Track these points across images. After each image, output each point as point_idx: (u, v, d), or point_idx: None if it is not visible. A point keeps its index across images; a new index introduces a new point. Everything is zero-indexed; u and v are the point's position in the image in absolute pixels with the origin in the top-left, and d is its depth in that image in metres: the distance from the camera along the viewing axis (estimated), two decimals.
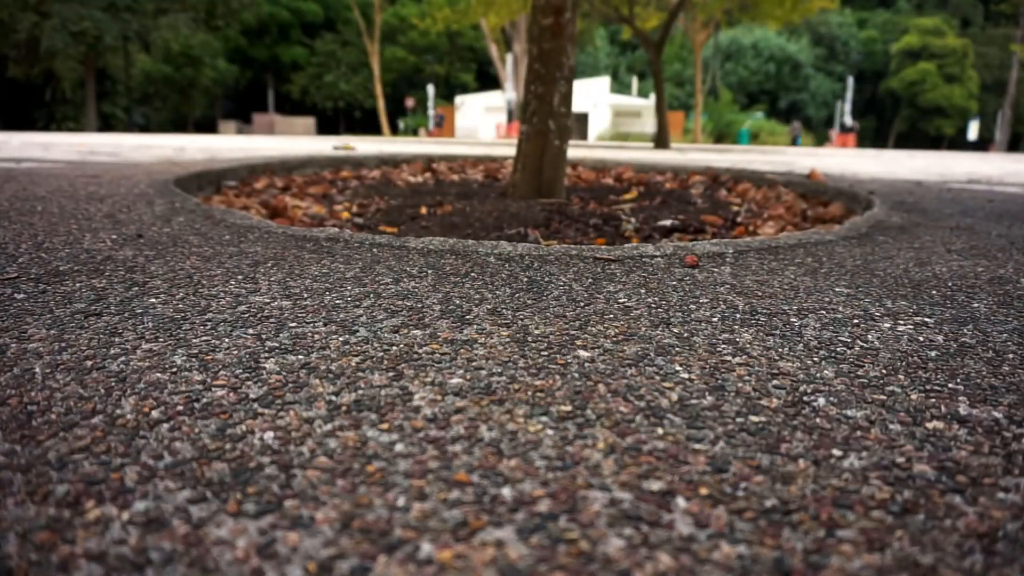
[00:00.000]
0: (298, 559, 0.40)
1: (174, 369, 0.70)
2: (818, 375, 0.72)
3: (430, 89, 25.61)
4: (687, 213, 2.42)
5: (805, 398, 0.66)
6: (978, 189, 3.18)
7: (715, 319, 0.92)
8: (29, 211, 1.83)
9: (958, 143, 28.60)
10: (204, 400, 0.63)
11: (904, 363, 0.77)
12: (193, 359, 0.74)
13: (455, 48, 30.62)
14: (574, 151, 5.85)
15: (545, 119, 2.68)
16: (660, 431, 0.58)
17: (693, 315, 0.94)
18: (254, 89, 30.74)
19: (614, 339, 0.83)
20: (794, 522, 0.45)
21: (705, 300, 1.03)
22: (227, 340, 0.80)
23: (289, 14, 28.86)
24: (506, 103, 20.83)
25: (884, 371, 0.74)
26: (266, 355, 0.75)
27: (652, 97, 17.08)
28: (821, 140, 28.69)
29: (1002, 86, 27.70)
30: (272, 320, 0.88)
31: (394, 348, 0.79)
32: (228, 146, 6.81)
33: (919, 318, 0.96)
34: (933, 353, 0.81)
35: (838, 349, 0.81)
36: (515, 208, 2.32)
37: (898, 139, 31.48)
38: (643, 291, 1.07)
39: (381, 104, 23.84)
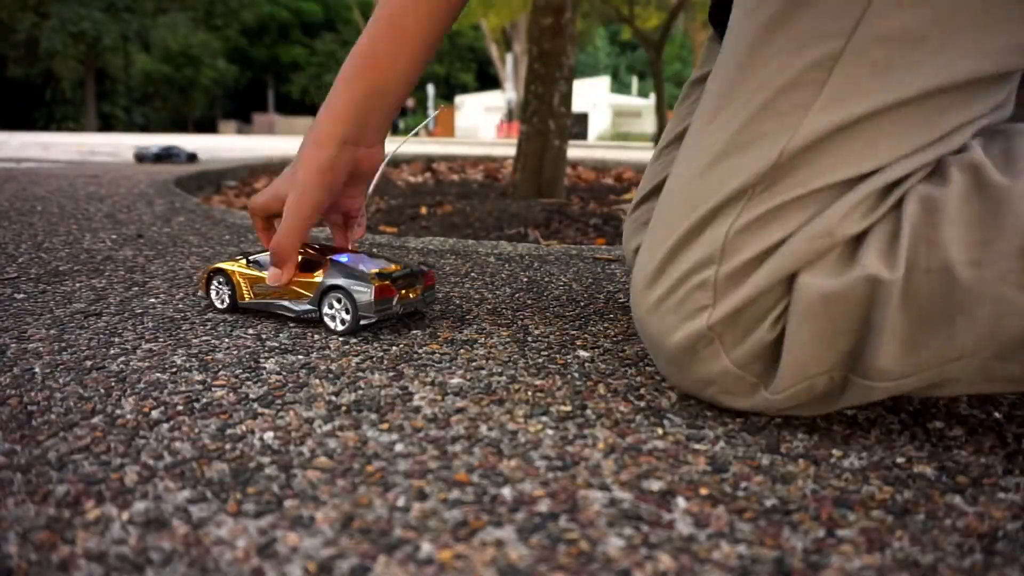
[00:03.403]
0: (298, 559, 0.40)
1: (174, 369, 0.70)
2: None
3: (430, 89, 25.60)
4: None
5: None
6: None
7: None
8: (29, 211, 1.83)
9: None
10: (204, 400, 0.63)
11: None
12: (193, 359, 0.74)
13: (455, 48, 30.62)
14: (574, 151, 5.86)
15: (545, 119, 2.68)
16: (660, 431, 0.58)
17: None
18: (254, 89, 30.73)
19: (614, 339, 0.83)
20: (794, 522, 0.45)
21: None
22: (227, 340, 0.80)
23: (289, 14, 28.84)
24: (506, 103, 20.83)
25: None
26: (266, 355, 0.75)
27: (652, 97, 17.09)
28: None
29: None
30: (272, 320, 0.88)
31: (394, 348, 0.79)
32: (228, 146, 6.81)
33: None
34: None
35: None
36: (515, 208, 2.32)
37: None
38: None
39: None
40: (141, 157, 4.03)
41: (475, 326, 0.88)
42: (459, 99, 28.52)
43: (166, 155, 4.05)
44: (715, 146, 0.57)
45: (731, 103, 0.57)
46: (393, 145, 0.86)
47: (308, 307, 0.84)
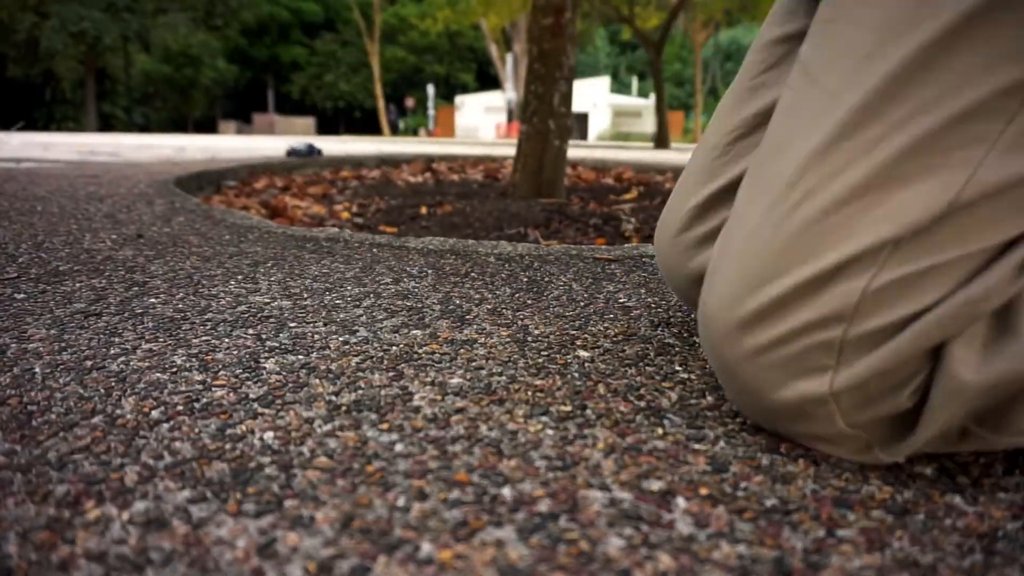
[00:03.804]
0: (298, 559, 0.40)
1: (174, 369, 0.70)
2: None
3: (430, 89, 25.60)
4: None
5: None
6: None
7: None
8: (29, 211, 1.83)
9: None
10: (204, 400, 0.63)
11: None
12: (193, 359, 0.74)
13: (455, 48, 30.62)
14: (574, 151, 5.86)
15: (545, 119, 2.68)
16: (660, 431, 0.58)
17: (693, 315, 0.94)
18: (254, 89, 30.73)
19: (614, 339, 0.83)
20: (794, 522, 0.45)
21: None
22: (227, 340, 0.80)
23: (289, 14, 28.84)
24: (506, 103, 20.84)
25: None
26: (266, 355, 0.75)
27: (652, 97, 17.09)
28: None
29: None
30: (272, 320, 0.89)
31: (394, 348, 0.79)
32: (228, 146, 6.81)
33: None
34: None
35: None
36: (515, 208, 2.33)
37: None
38: (643, 291, 1.07)
39: (381, 104, 23.83)
40: (292, 153, 5.02)
41: (475, 326, 0.88)
42: (459, 99, 28.52)
43: (311, 151, 5.10)
44: (851, 173, 0.44)
45: (875, 119, 0.43)
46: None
47: None
